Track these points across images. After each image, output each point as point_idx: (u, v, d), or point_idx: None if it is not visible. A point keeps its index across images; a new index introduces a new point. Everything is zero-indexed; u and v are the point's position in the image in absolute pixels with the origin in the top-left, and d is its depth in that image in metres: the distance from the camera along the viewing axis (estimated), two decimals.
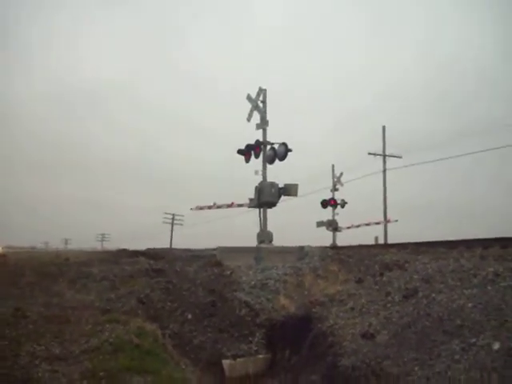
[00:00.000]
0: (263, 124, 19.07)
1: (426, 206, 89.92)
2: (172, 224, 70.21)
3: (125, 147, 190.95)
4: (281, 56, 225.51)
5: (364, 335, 8.36)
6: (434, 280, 9.74)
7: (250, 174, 19.05)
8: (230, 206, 22.22)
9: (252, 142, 19.22)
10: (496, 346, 6.42)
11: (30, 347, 7.57)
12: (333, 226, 42.57)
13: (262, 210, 18.91)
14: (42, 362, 7.15)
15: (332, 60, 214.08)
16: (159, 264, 14.59)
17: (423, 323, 7.91)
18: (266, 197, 18.50)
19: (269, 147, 19.14)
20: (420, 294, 9.14)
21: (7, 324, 8.47)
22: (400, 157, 41.17)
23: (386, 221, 39.32)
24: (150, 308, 11.08)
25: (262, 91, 19.43)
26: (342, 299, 10.72)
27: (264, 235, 18.36)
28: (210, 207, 22.93)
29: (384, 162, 40.80)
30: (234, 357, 10.37)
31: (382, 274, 11.57)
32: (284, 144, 18.89)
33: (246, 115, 19.59)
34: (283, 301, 12.04)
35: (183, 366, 8.82)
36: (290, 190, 18.95)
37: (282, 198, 19.38)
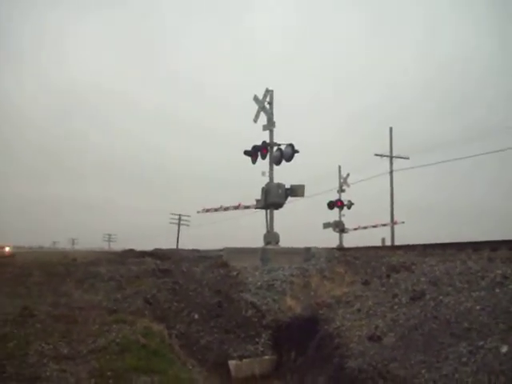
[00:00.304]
0: (270, 125, 19.07)
1: (432, 208, 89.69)
2: (179, 225, 70.39)
3: (128, 150, 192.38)
4: (281, 57, 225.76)
5: (371, 337, 8.33)
6: (441, 282, 9.71)
7: (256, 175, 19.06)
8: (237, 207, 22.25)
9: (251, 142, 19.27)
10: (504, 349, 6.38)
11: (38, 346, 7.60)
12: (339, 227, 42.54)
13: (268, 211, 18.90)
14: (50, 361, 7.16)
15: (332, 60, 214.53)
16: (166, 264, 14.65)
17: (430, 326, 7.88)
18: (273, 198, 18.50)
19: (275, 148, 19.14)
20: (427, 297, 9.11)
21: (15, 323, 8.53)
22: (407, 158, 40.91)
23: (393, 222, 39.17)
24: (157, 308, 11.12)
25: (268, 92, 19.43)
26: (348, 301, 10.69)
27: (271, 236, 18.36)
28: (216, 209, 22.97)
29: (391, 163, 40.57)
30: (241, 357, 10.38)
31: (388, 276, 11.55)
32: (291, 145, 18.88)
33: (253, 116, 19.60)
34: (290, 302, 12.04)
35: (190, 367, 8.83)
36: (296, 191, 18.94)
37: (289, 199, 19.40)
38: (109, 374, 6.92)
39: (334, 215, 42.66)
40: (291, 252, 16.19)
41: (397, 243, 32.88)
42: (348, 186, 43.17)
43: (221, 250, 17.10)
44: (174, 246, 48.43)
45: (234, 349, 10.55)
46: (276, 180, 18.88)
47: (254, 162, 19.45)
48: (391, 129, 41.38)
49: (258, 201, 19.35)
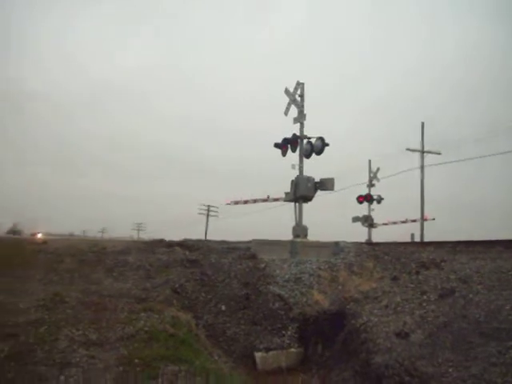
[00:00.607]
0: (300, 118, 18.95)
1: (466, 205, 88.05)
2: (207, 215, 70.91)
3: (166, 142, 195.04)
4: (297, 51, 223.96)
5: (398, 334, 8.27)
6: (471, 280, 9.57)
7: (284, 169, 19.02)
8: (266, 200, 22.28)
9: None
10: None
11: (69, 332, 7.77)
12: (368, 221, 42.24)
13: (297, 204, 18.85)
14: (79, 347, 7.32)
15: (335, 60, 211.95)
16: (194, 255, 14.76)
17: (459, 324, 7.78)
18: (303, 191, 18.41)
19: (305, 141, 19.04)
20: (457, 294, 8.99)
21: (47, 308, 8.74)
22: (439, 153, 39.60)
23: (423, 219, 38.55)
24: (185, 298, 11.23)
25: (299, 85, 19.27)
26: (376, 296, 10.61)
27: (299, 229, 18.29)
28: (245, 201, 23.01)
29: (422, 158, 39.34)
30: (267, 350, 10.42)
31: (418, 273, 11.42)
32: (321, 138, 18.73)
33: (284, 109, 19.52)
34: (317, 296, 12.00)
35: (216, 357, 8.91)
36: (326, 185, 18.78)
37: (318, 192, 19.28)
38: (136, 361, 7.03)
39: (359, 209, 42.59)
40: (319, 245, 16.12)
41: (426, 239, 32.53)
42: (378, 180, 42.81)
43: (249, 242, 17.12)
44: (203, 237, 48.79)
45: (260, 341, 10.60)
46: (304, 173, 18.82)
47: (283, 154, 19.40)
48: (423, 124, 40.39)
49: (287, 194, 19.32)
